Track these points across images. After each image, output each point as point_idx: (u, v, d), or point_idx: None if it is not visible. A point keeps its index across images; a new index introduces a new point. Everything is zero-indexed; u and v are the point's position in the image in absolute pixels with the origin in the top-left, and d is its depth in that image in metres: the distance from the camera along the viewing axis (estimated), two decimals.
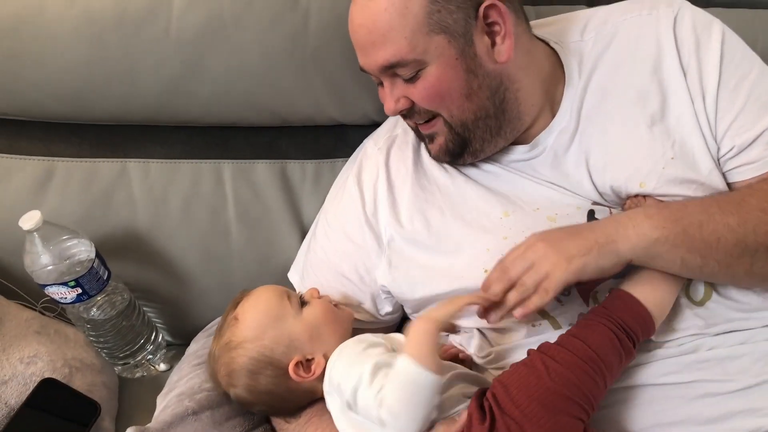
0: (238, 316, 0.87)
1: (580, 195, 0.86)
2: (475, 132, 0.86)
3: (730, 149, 0.84)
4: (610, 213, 0.85)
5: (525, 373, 0.74)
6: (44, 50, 1.00)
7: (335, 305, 0.91)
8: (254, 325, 0.85)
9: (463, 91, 0.82)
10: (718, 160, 0.85)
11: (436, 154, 0.91)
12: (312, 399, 0.87)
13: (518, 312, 0.75)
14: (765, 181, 0.82)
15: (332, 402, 0.80)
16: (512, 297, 0.76)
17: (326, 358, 0.84)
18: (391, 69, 0.82)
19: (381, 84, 0.86)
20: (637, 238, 0.76)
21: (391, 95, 0.85)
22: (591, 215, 0.85)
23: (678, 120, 0.85)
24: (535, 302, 0.74)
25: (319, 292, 0.92)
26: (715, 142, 0.84)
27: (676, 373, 0.79)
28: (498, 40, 0.81)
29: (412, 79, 0.82)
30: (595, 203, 0.86)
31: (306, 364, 0.85)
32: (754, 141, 0.83)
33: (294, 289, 1.02)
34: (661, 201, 0.82)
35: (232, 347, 0.85)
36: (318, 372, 0.84)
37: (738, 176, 0.85)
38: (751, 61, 0.86)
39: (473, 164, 0.92)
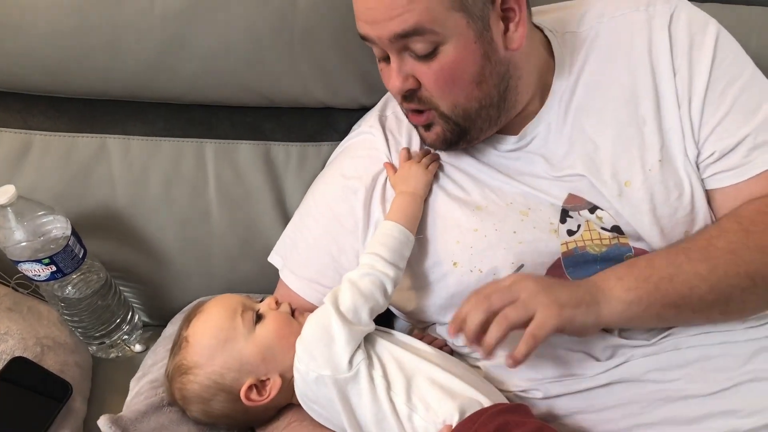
0: (188, 337, 0.84)
1: (557, 191, 0.85)
2: (476, 121, 0.83)
3: (711, 154, 0.83)
4: (579, 215, 0.84)
5: None
6: (23, 19, 0.96)
7: (294, 312, 0.88)
8: (203, 350, 0.82)
9: (475, 78, 0.79)
10: (698, 165, 0.84)
11: (432, 142, 0.88)
12: (276, 412, 0.86)
13: (508, 362, 0.73)
14: (728, 218, 0.81)
15: None
16: (494, 331, 0.73)
17: (282, 377, 0.82)
18: (405, 39, 0.76)
19: (383, 60, 0.82)
20: (615, 301, 0.75)
21: (399, 71, 0.79)
22: (564, 214, 0.84)
23: (665, 122, 0.84)
24: (523, 351, 0.72)
25: (277, 302, 0.88)
26: (697, 147, 0.83)
27: (657, 370, 0.79)
28: (511, 26, 0.79)
29: (427, 57, 0.77)
30: (568, 202, 0.85)
31: (261, 385, 0.82)
32: (735, 147, 0.82)
33: (277, 272, 1.01)
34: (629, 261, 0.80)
35: (183, 371, 0.83)
36: (273, 393, 0.82)
37: (716, 183, 0.84)
38: (742, 64, 0.85)
39: (465, 149, 0.91)
